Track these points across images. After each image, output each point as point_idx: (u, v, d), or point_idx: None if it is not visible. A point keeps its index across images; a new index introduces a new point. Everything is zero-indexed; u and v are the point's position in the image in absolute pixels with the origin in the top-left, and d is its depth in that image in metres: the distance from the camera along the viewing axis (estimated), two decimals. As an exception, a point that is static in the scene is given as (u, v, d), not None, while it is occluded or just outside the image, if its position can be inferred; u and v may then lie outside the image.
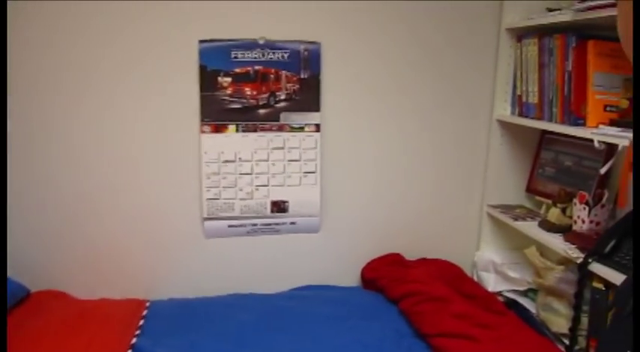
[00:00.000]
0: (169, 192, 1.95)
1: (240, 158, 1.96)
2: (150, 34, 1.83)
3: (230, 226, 2.01)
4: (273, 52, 1.92)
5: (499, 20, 2.04)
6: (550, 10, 1.88)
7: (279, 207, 2.03)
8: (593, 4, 1.57)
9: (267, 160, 1.98)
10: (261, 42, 1.90)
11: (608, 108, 1.70)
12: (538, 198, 2.10)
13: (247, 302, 1.93)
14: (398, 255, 2.13)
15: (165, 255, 2.00)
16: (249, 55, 1.90)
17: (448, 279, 1.94)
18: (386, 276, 1.97)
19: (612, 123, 1.66)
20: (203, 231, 2.00)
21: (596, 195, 1.75)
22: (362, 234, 2.13)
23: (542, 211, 2.06)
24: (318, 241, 2.10)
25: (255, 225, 2.03)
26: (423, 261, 2.12)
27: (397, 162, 2.11)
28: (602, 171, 1.64)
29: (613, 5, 1.50)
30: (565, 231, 1.82)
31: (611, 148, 1.83)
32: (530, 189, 2.15)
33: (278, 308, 1.88)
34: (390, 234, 2.15)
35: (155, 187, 1.94)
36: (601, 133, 1.57)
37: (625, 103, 1.66)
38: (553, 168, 2.05)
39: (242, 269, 2.06)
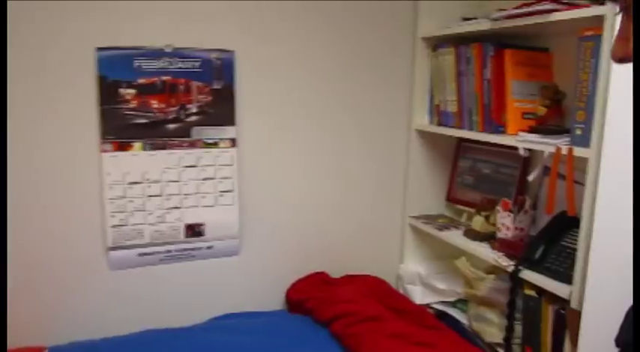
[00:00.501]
0: (68, 221, 1.70)
1: (148, 179, 1.76)
2: (37, 41, 1.58)
3: (140, 255, 1.80)
4: (183, 61, 1.74)
5: (414, 30, 2.02)
6: (466, 19, 1.89)
7: (194, 230, 1.85)
8: (512, 12, 1.58)
9: (178, 180, 1.80)
10: (168, 50, 1.72)
11: (526, 116, 1.73)
12: (458, 206, 2.10)
13: (163, 338, 1.73)
14: (323, 273, 2.03)
15: (65, 292, 1.73)
16: (156, 65, 1.71)
17: (378, 296, 1.87)
18: (313, 297, 1.86)
19: (531, 130, 1.67)
20: (108, 263, 1.77)
21: (518, 202, 1.77)
22: (285, 254, 2.01)
23: (462, 219, 2.07)
24: (239, 264, 1.94)
25: (168, 251, 1.84)
26: (349, 277, 2.04)
27: (318, 176, 2.01)
28: (530, 178, 1.66)
29: (530, 14, 1.52)
30: (490, 238, 1.83)
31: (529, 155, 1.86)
32: (451, 198, 2.15)
33: (197, 343, 1.70)
34: (314, 251, 2.05)
35: (51, 216, 1.68)
36: (526, 141, 1.58)
37: (542, 110, 1.69)
38: (471, 176, 2.06)
39: (155, 301, 1.85)
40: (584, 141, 1.41)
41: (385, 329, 1.64)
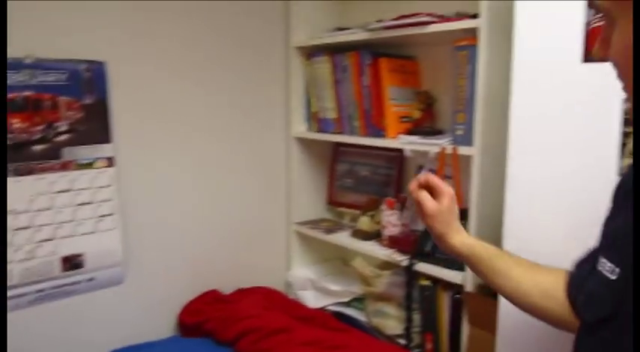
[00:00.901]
0: None
1: (14, 209, 1.52)
2: None
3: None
4: (47, 74, 1.54)
5: (287, 39, 2.05)
6: (339, 29, 1.96)
7: (71, 262, 1.64)
8: (390, 24, 1.68)
9: (50, 208, 1.59)
10: (28, 61, 1.51)
11: (403, 119, 1.86)
12: (340, 209, 2.18)
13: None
14: (214, 291, 1.95)
15: None
16: (15, 78, 1.49)
17: (278, 306, 1.86)
18: (212, 318, 1.78)
19: (410, 132, 1.81)
20: (-34, 313, 1.49)
21: (401, 200, 1.89)
22: (173, 276, 1.88)
23: (346, 221, 2.15)
24: (124, 294, 1.77)
25: (41, 291, 1.60)
26: (242, 292, 1.99)
27: (201, 190, 1.93)
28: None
29: (408, 25, 1.64)
30: (376, 236, 1.93)
31: (401, 155, 2.00)
32: (332, 202, 2.21)
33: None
34: (203, 270, 1.96)
35: None
36: (413, 143, 1.70)
37: (417, 114, 1.83)
38: (351, 179, 2.15)
39: (28, 350, 1.61)
40: (466, 140, 1.56)
41: (295, 339, 1.64)
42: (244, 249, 2.07)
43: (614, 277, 0.66)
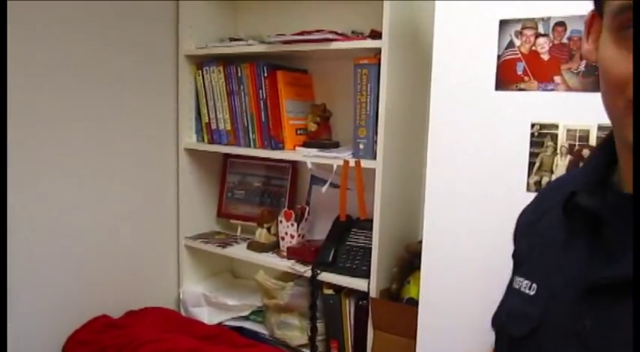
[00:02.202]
0: None
1: None
2: None
3: None
4: None
5: (177, 47, 1.96)
6: (233, 39, 1.93)
7: None
8: (292, 38, 1.70)
9: None
10: None
11: (299, 132, 1.89)
12: (232, 221, 2.14)
13: None
14: (104, 316, 1.80)
15: None
16: None
17: (177, 327, 1.77)
18: (107, 346, 1.64)
19: (306, 144, 1.85)
20: None
21: (299, 211, 1.92)
22: (57, 305, 1.70)
23: (238, 234, 2.11)
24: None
25: None
26: (132, 314, 1.86)
27: (85, 207, 1.76)
28: (324, 189, 1.81)
29: (311, 41, 1.67)
30: (274, 248, 1.93)
31: (294, 166, 2.04)
32: (222, 214, 2.16)
33: None
34: (88, 293, 1.79)
35: None
36: (316, 156, 1.73)
37: (314, 126, 1.88)
38: (242, 191, 2.12)
39: None
40: (368, 154, 1.64)
41: (205, 361, 1.58)
42: (133, 267, 1.93)
43: (532, 292, 0.70)
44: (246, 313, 1.96)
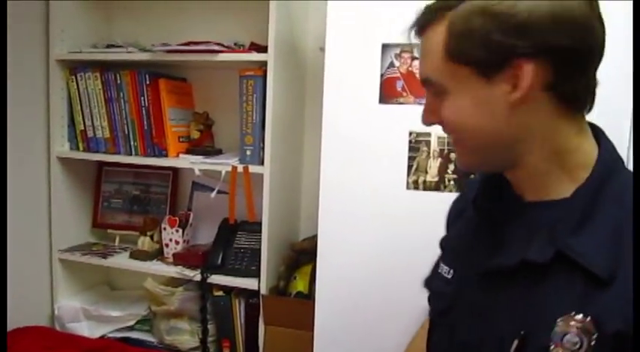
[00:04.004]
0: None
1: None
2: None
3: None
4: None
5: (47, 51, 1.87)
6: (110, 45, 1.90)
7: None
8: (178, 48, 1.73)
9: None
10: None
11: (181, 139, 1.92)
12: (109, 231, 2.08)
13: None
14: (-28, 341, 1.65)
15: None
16: None
17: (60, 345, 1.70)
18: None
19: (189, 151, 1.89)
20: None
21: (183, 217, 1.95)
22: None
23: (116, 243, 2.06)
24: None
25: None
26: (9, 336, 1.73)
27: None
28: (212, 195, 1.84)
29: (198, 51, 1.72)
30: (157, 256, 1.94)
31: (175, 173, 2.07)
32: (98, 224, 2.09)
33: None
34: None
35: None
36: (203, 163, 1.78)
37: (196, 134, 1.93)
38: (119, 199, 2.09)
39: None
40: (255, 160, 1.74)
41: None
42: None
43: (449, 276, 0.86)
44: (131, 323, 1.93)
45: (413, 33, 0.78)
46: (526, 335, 0.69)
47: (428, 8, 0.75)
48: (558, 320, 0.67)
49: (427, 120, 0.80)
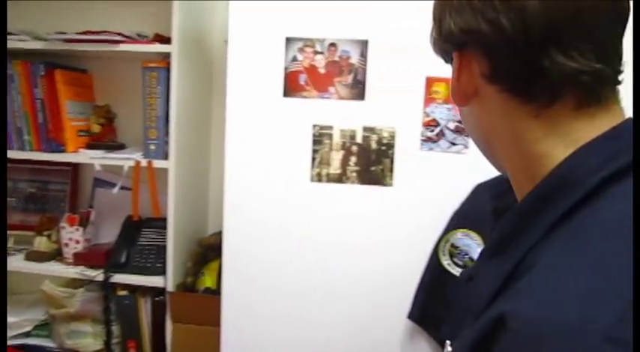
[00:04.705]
0: None
1: None
2: None
3: None
4: None
5: None
6: (0, 33, 1.77)
7: None
8: (77, 37, 1.65)
9: None
10: None
11: (81, 133, 1.83)
12: (2, 231, 1.95)
13: None
14: None
15: None
16: None
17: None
18: None
19: (89, 146, 1.81)
20: None
21: (84, 216, 1.86)
22: None
23: (11, 245, 1.93)
24: None
25: None
26: None
27: None
28: (115, 191, 1.77)
29: (98, 41, 1.65)
30: (56, 256, 1.84)
31: (75, 169, 1.98)
32: (-11, 225, 1.95)
33: None
34: None
35: None
36: (105, 157, 1.71)
37: (97, 128, 1.85)
38: (13, 198, 1.96)
39: None
40: (159, 154, 1.69)
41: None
42: None
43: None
44: (28, 329, 1.82)
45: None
46: None
47: None
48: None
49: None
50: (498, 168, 0.64)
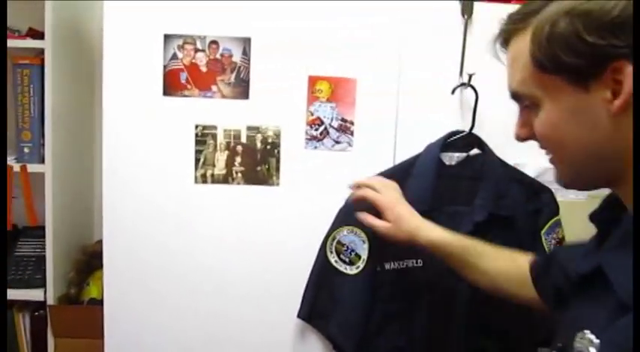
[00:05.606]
0: None
1: None
2: None
3: None
4: None
5: None
6: None
7: None
8: None
9: None
10: None
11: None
12: None
13: None
14: None
15: None
16: None
17: None
18: None
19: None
20: None
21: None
22: None
23: None
24: None
25: None
26: None
27: None
28: None
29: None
30: None
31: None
32: None
33: None
34: None
35: None
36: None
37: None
38: None
39: None
40: (34, 157, 1.58)
41: None
42: None
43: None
44: None
45: (498, 46, 0.72)
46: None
47: (510, 16, 0.69)
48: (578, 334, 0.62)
49: (520, 135, 0.73)
50: (596, 181, 0.69)
